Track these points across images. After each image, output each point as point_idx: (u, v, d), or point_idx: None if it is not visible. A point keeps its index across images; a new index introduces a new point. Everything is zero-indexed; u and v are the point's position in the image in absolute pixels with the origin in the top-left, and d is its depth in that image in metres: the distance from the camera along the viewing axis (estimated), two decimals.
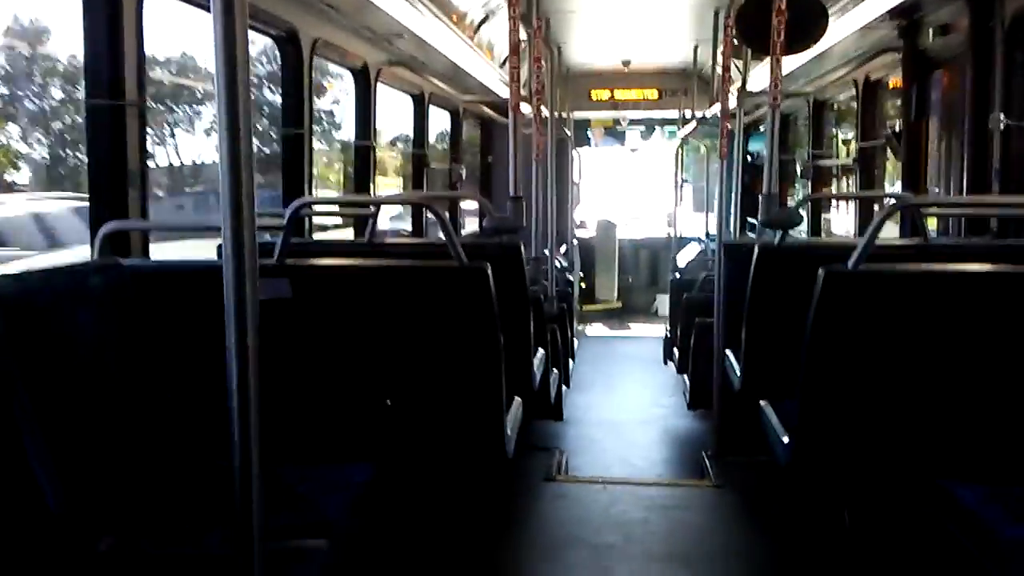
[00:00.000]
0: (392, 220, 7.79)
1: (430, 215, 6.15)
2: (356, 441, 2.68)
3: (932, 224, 4.23)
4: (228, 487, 1.52)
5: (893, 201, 4.67)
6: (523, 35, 4.88)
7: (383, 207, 5.13)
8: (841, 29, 4.79)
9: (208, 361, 1.79)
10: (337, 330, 2.65)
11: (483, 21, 6.54)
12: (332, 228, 6.20)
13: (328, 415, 2.68)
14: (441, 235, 2.73)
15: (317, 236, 4.82)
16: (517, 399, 3.21)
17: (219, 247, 1.50)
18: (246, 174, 1.42)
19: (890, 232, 4.86)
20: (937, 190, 4.66)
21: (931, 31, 4.53)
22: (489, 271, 2.55)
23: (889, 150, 5.43)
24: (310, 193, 4.54)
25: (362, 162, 5.55)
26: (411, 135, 6.98)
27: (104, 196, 2.92)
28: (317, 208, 4.78)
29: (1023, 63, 3.88)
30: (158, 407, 2.38)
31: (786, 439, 2.75)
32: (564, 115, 8.99)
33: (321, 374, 2.67)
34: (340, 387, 2.68)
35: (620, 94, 10.27)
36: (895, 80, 5.45)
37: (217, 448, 1.59)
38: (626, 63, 9.51)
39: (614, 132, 11.40)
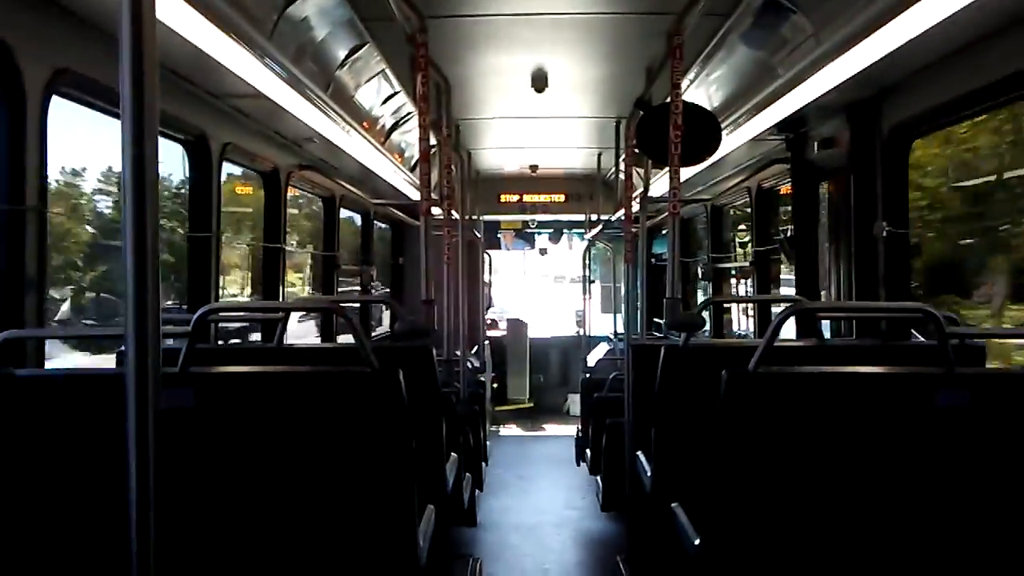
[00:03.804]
0: (300, 321, 7.67)
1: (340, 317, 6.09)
2: (259, 556, 2.56)
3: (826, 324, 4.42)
4: None
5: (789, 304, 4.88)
6: (433, 141, 4.99)
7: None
8: (734, 141, 5.08)
9: (105, 473, 1.68)
10: (243, 439, 2.56)
11: (394, 127, 6.67)
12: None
13: (226, 530, 2.56)
14: (351, 338, 2.70)
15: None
16: (430, 506, 3.13)
17: (118, 354, 1.45)
18: (152, 281, 1.39)
19: (787, 329, 5.05)
20: (827, 293, 4.90)
21: (816, 144, 4.84)
22: (401, 376, 2.53)
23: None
24: (217, 298, 4.45)
25: (271, 265, 5.49)
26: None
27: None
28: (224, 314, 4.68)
29: (901, 175, 4.17)
30: (51, 522, 2.23)
31: (697, 541, 2.76)
32: (474, 218, 9.15)
33: (223, 486, 2.56)
34: (242, 499, 2.57)
35: (528, 198, 10.54)
36: (786, 188, 5.78)
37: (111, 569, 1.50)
38: (533, 168, 9.80)
39: (524, 234, 11.65)
